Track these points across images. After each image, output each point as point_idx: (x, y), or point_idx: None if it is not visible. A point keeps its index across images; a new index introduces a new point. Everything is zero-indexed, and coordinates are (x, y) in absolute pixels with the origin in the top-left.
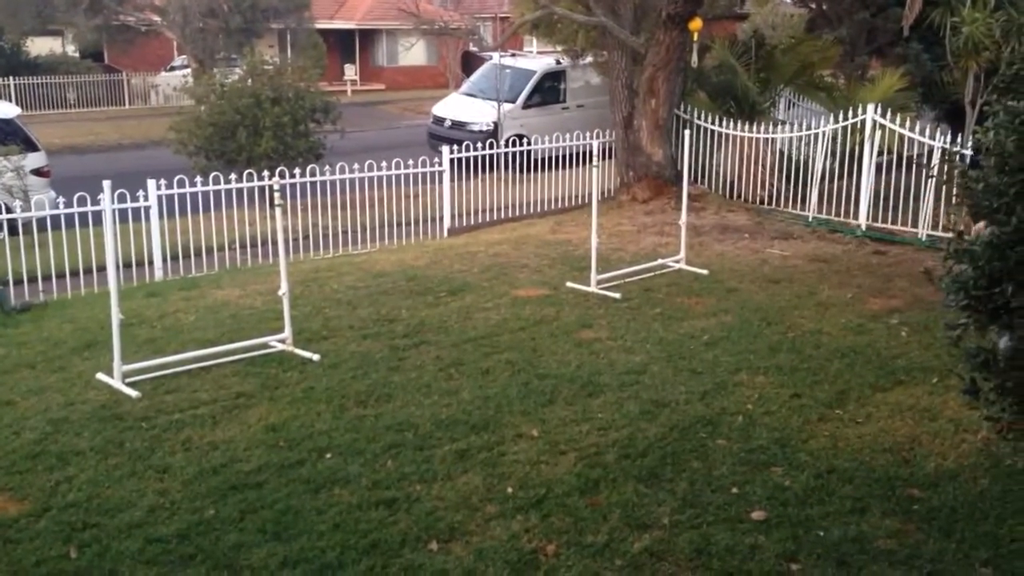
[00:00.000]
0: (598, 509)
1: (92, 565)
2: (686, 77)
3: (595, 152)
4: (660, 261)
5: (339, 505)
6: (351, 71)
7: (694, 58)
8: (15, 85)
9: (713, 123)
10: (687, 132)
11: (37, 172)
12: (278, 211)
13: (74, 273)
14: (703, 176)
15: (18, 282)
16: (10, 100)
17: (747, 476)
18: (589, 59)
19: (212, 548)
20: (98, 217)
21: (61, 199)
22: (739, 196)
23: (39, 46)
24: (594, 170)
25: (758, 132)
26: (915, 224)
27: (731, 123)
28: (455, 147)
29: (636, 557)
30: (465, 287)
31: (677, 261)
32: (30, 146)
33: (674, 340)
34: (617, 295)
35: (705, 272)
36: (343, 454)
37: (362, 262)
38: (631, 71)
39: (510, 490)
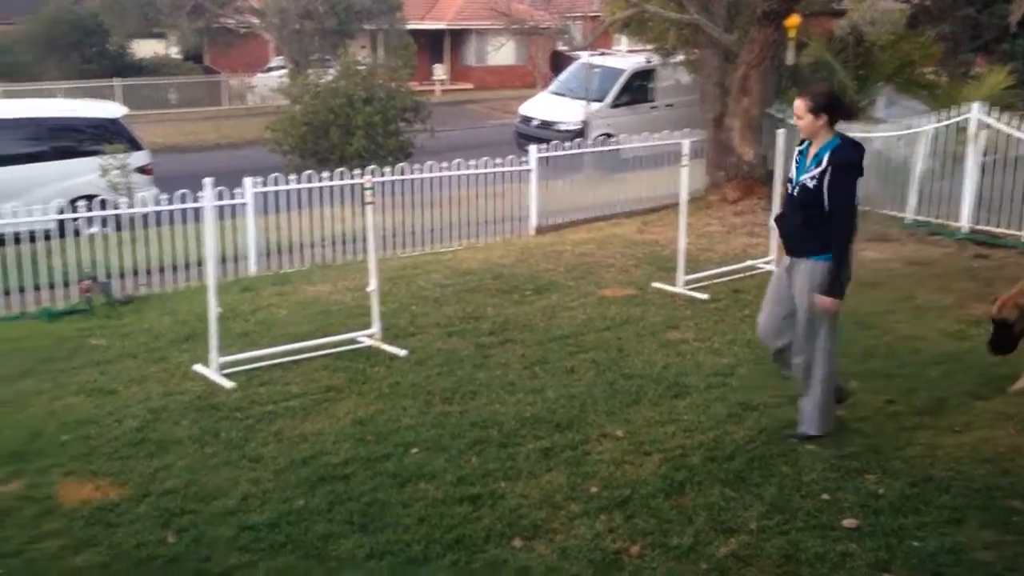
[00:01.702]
0: (683, 511)
1: (188, 550)
2: (780, 76)
3: (684, 151)
4: (750, 262)
5: (424, 499)
6: (440, 71)
7: (790, 56)
8: (120, 86)
9: None
10: (781, 131)
11: (141, 170)
12: (368, 209)
13: (174, 267)
14: None
15: (122, 275)
16: (116, 100)
17: (838, 483)
18: (679, 57)
19: (301, 538)
20: (198, 213)
21: (163, 196)
22: None
23: (143, 48)
24: (683, 170)
25: (854, 131)
26: (1021, 227)
27: None
28: (543, 146)
29: (722, 561)
30: (551, 286)
31: (767, 263)
32: (134, 145)
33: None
34: (705, 296)
35: None
36: (428, 449)
37: (449, 260)
38: (723, 69)
39: (594, 489)
